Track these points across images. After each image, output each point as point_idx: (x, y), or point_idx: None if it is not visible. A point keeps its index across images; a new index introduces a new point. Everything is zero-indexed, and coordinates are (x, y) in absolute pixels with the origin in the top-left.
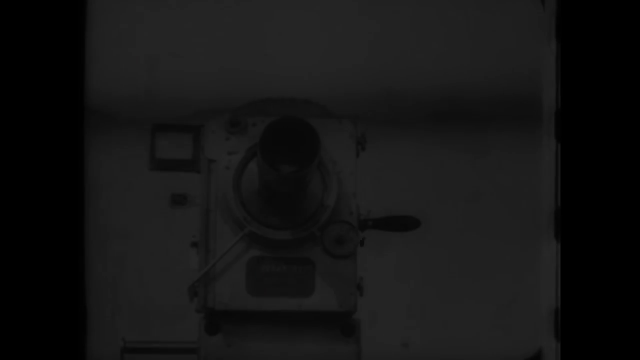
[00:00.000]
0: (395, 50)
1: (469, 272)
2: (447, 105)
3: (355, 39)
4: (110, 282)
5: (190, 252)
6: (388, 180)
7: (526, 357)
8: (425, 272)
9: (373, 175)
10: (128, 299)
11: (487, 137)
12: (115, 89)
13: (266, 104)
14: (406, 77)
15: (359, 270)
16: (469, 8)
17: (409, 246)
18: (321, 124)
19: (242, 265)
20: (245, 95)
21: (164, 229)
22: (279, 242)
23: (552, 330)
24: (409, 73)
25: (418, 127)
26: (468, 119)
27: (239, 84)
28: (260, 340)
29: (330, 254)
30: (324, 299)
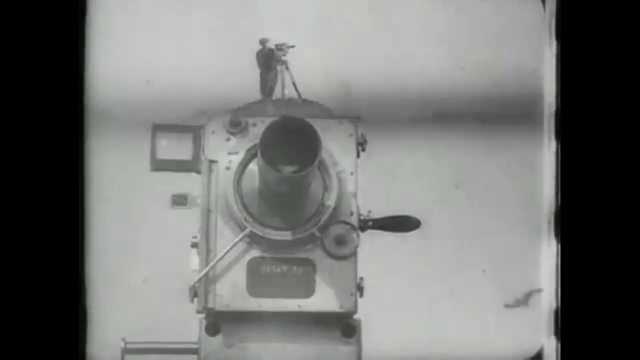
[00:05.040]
0: (396, 51)
1: (469, 272)
2: (448, 105)
3: (355, 40)
4: (111, 282)
5: (190, 253)
6: (388, 180)
7: (526, 357)
8: (425, 272)
9: (373, 175)
10: (128, 299)
11: (488, 137)
12: (115, 89)
13: (266, 104)
14: (406, 78)
15: (359, 271)
16: (469, 8)
17: (409, 246)
18: (322, 125)
19: (242, 266)
20: (246, 96)
21: (165, 229)
22: (280, 243)
23: (552, 330)
24: (409, 73)
25: (418, 127)
26: (468, 119)
27: (239, 84)
28: (261, 340)
29: (330, 254)
30: (324, 300)
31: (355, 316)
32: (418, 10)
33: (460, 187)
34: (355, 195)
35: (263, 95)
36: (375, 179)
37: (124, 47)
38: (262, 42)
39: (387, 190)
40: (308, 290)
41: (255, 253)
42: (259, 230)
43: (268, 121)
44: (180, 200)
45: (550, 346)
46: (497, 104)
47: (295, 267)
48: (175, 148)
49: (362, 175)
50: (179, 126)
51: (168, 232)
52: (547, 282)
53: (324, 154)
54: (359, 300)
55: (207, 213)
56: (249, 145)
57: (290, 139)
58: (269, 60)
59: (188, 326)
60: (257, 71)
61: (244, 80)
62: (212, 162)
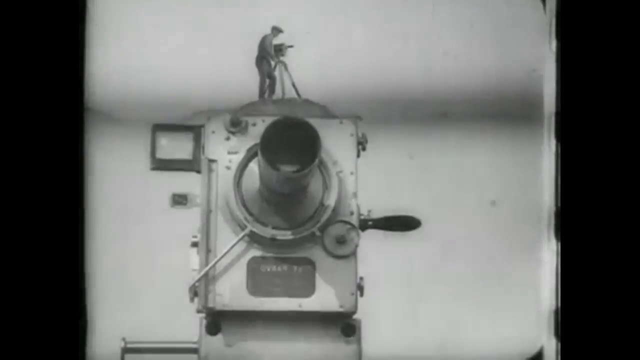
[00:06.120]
0: (396, 51)
1: (469, 272)
2: (448, 105)
3: (355, 40)
4: (111, 282)
5: (190, 253)
6: (389, 180)
7: (526, 357)
8: (425, 272)
9: (373, 175)
10: (128, 298)
11: (488, 137)
12: (115, 89)
13: (266, 104)
14: (407, 78)
15: (359, 270)
16: (470, 8)
17: (409, 246)
18: (322, 124)
19: (242, 265)
20: (246, 96)
21: (165, 229)
22: (280, 242)
23: (552, 330)
24: (409, 73)
25: (419, 127)
26: (468, 119)
27: (239, 84)
28: (261, 340)
29: (330, 254)
30: (324, 299)
31: (355, 315)
32: (418, 11)
33: (460, 186)
34: (355, 195)
35: (263, 94)
36: (375, 179)
37: (124, 46)
38: (275, 29)
39: (387, 190)
40: (308, 290)
41: (255, 252)
42: (259, 230)
43: (268, 121)
44: (180, 200)
45: (550, 346)
46: (497, 104)
47: (295, 267)
48: (175, 147)
49: (362, 175)
50: (179, 126)
51: (168, 232)
52: (547, 282)
53: (324, 154)
54: (359, 299)
55: (207, 212)
56: (249, 144)
57: (291, 139)
58: (274, 52)
59: (188, 326)
60: (257, 70)
61: (244, 80)
62: (212, 161)
